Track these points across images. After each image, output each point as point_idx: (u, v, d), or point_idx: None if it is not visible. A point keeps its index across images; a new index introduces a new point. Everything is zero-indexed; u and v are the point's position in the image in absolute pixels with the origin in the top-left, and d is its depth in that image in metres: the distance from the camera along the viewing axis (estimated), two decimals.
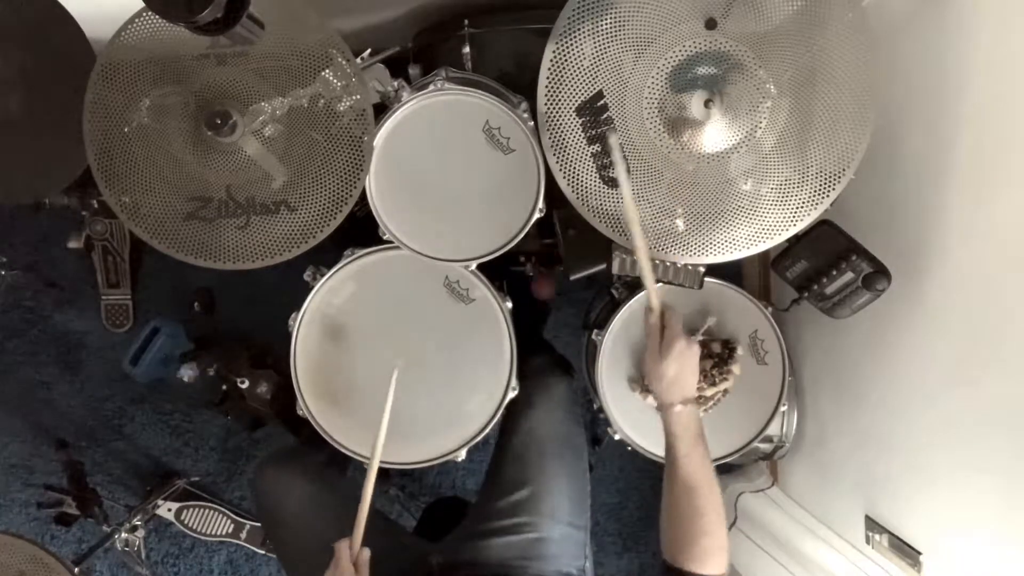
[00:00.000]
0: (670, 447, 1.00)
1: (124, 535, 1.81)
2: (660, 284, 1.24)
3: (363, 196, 1.12)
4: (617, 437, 1.33)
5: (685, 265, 1.18)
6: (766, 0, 1.02)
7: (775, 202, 1.09)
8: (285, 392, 1.68)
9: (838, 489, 1.50)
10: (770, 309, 1.30)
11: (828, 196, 1.07)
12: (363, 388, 1.26)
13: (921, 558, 1.22)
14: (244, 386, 1.68)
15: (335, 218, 1.07)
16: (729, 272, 1.25)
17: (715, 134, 1.06)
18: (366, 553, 1.02)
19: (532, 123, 1.11)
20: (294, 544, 1.26)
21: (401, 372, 1.16)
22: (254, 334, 1.92)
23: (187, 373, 1.72)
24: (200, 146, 1.06)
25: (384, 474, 1.88)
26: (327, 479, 1.34)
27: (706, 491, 0.96)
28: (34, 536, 1.94)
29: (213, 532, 1.96)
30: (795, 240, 1.16)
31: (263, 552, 1.97)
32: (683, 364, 1.01)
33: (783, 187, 1.08)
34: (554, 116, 1.08)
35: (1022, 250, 0.99)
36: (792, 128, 1.06)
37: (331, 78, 1.04)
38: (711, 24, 1.03)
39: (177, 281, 1.98)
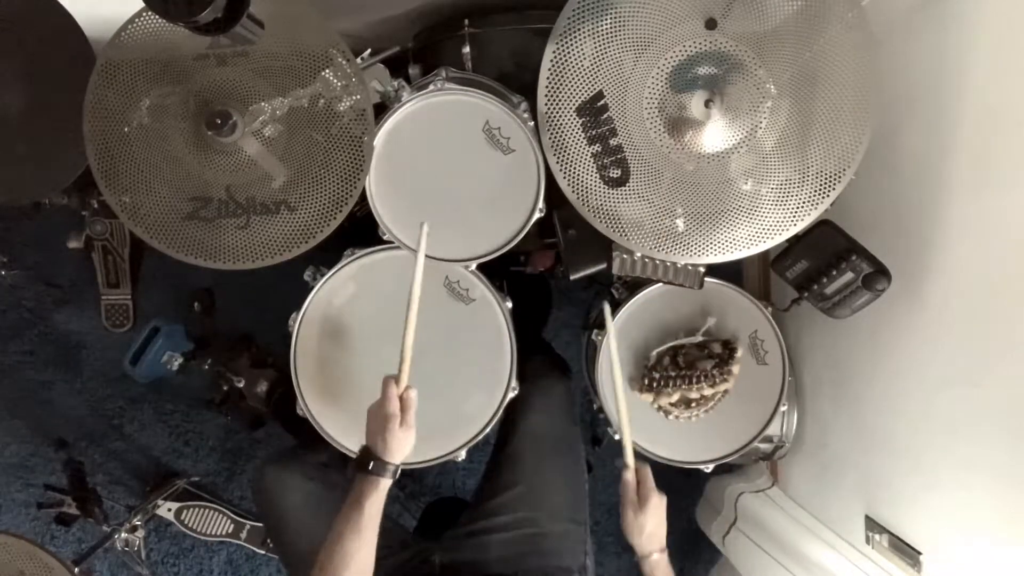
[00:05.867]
0: None
1: (124, 535, 1.81)
2: (660, 285, 1.25)
3: (363, 196, 1.12)
4: (617, 437, 1.33)
5: (685, 265, 1.18)
6: (766, 0, 1.02)
7: (775, 202, 1.09)
8: (285, 392, 1.69)
9: (838, 489, 1.50)
10: (770, 309, 1.30)
11: (828, 196, 1.07)
12: (363, 388, 1.26)
13: (921, 558, 1.22)
14: (243, 386, 1.68)
15: (335, 218, 1.07)
16: (729, 272, 1.25)
17: (715, 134, 1.06)
18: (414, 393, 1.05)
19: (532, 123, 1.11)
20: (295, 544, 1.26)
21: (428, 231, 1.16)
22: (254, 334, 1.92)
23: (175, 362, 1.72)
24: (200, 146, 1.06)
25: None
26: (327, 478, 1.34)
27: None
28: (34, 536, 1.95)
29: (213, 532, 1.96)
30: (795, 240, 1.16)
31: (263, 552, 1.97)
32: (658, 516, 1.11)
33: (783, 187, 1.08)
34: (554, 116, 1.08)
35: (1021, 249, 0.99)
36: (792, 128, 1.06)
37: (331, 78, 1.04)
38: (711, 24, 1.03)
39: (177, 281, 1.98)
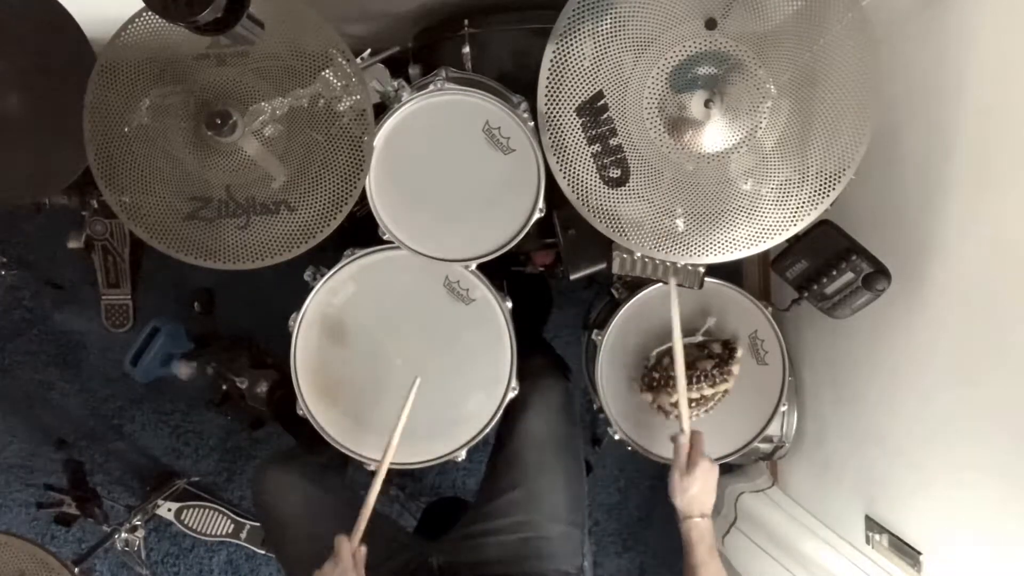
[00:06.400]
0: (689, 556, 1.10)
1: (124, 535, 1.81)
2: (660, 285, 1.25)
3: (363, 196, 1.12)
4: (617, 437, 1.33)
5: (685, 265, 1.18)
6: (766, 0, 1.02)
7: (775, 202, 1.09)
8: (285, 392, 1.69)
9: (838, 489, 1.50)
10: (770, 309, 1.30)
11: (828, 196, 1.07)
12: (363, 388, 1.26)
13: (921, 558, 1.22)
14: (244, 386, 1.68)
15: (335, 218, 1.07)
16: (729, 272, 1.25)
17: (715, 134, 1.06)
18: (363, 550, 1.05)
19: (532, 123, 1.11)
20: (294, 545, 1.26)
21: (401, 373, 1.16)
22: (254, 334, 1.92)
23: (184, 370, 1.72)
24: (200, 146, 1.06)
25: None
26: (326, 480, 1.34)
27: None
28: (34, 536, 1.95)
29: (213, 532, 1.96)
30: (795, 240, 1.16)
31: (263, 552, 1.97)
32: (705, 482, 1.12)
33: (783, 187, 1.08)
34: (554, 116, 1.08)
35: (1021, 250, 0.99)
36: (792, 128, 1.06)
37: (331, 78, 1.04)
38: (711, 24, 1.03)
39: (177, 281, 1.98)
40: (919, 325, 1.21)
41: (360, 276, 1.25)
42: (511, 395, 1.25)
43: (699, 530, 1.10)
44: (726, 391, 1.29)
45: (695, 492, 1.11)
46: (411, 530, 1.64)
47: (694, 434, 1.17)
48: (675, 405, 1.28)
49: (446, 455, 1.26)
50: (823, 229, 1.17)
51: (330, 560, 1.04)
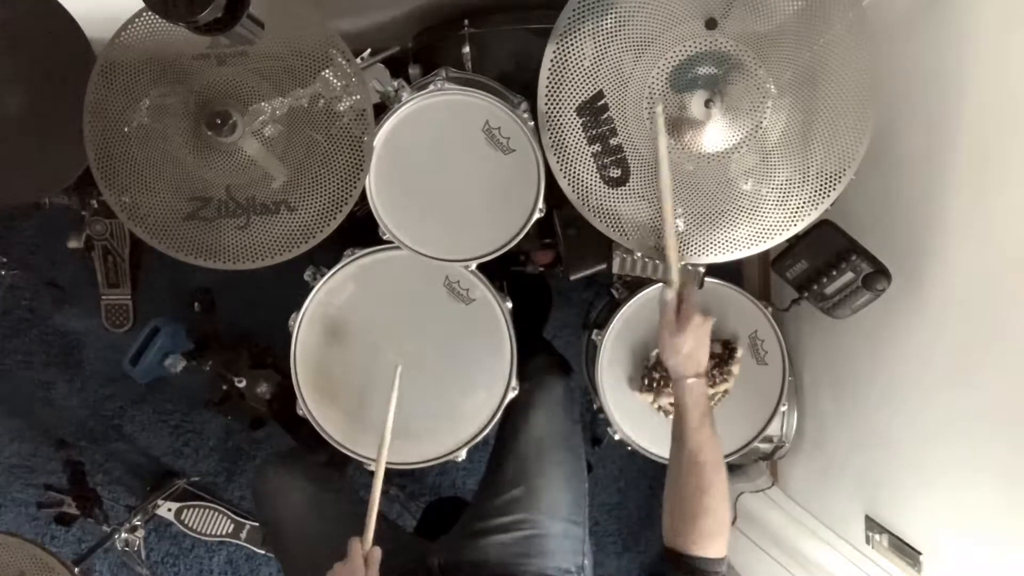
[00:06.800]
0: (680, 420, 1.01)
1: (124, 535, 1.81)
2: (660, 285, 1.25)
3: (363, 196, 1.12)
4: (617, 437, 1.33)
5: (685, 265, 1.18)
6: (766, 0, 1.02)
7: (775, 202, 1.09)
8: (285, 392, 1.69)
9: (838, 489, 1.50)
10: (770, 309, 1.30)
11: (828, 196, 1.07)
12: (363, 388, 1.26)
13: (921, 558, 1.22)
14: (243, 386, 1.68)
15: (335, 218, 1.07)
16: (729, 272, 1.25)
17: (715, 134, 1.06)
18: (377, 551, 1.03)
19: (532, 123, 1.12)
20: (294, 545, 1.26)
21: (402, 372, 1.16)
22: (254, 334, 1.92)
23: (177, 364, 1.71)
24: (200, 146, 1.06)
25: (384, 474, 1.88)
26: (327, 479, 1.34)
27: (711, 469, 0.96)
28: (34, 536, 1.95)
29: (213, 532, 1.96)
30: (795, 240, 1.16)
31: (263, 552, 1.97)
32: (698, 338, 1.02)
33: (783, 187, 1.08)
34: (554, 116, 1.08)
35: (1021, 250, 0.99)
36: (792, 128, 1.06)
37: (331, 78, 1.04)
38: (711, 24, 1.03)
39: (177, 281, 1.98)
40: (919, 325, 1.21)
41: (360, 276, 1.25)
42: (511, 395, 1.25)
43: (694, 394, 1.00)
44: (726, 391, 1.29)
45: (688, 350, 1.01)
46: (411, 530, 1.64)
47: (684, 287, 1.05)
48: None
49: (446, 455, 1.26)
50: (823, 229, 1.17)
51: (342, 563, 1.02)
